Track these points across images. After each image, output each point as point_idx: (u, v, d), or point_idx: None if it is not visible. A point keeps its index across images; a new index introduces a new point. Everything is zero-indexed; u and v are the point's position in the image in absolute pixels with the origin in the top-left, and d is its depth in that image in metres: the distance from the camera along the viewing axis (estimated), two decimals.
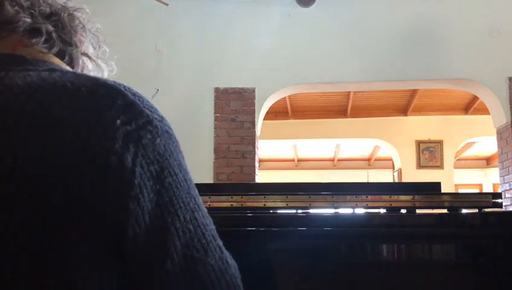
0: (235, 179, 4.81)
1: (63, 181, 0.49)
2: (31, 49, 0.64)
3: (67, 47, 0.68)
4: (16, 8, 0.64)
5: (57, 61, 0.66)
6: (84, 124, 0.51)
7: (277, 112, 7.36)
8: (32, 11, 0.65)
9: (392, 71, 5.03)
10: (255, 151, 4.97)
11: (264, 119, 5.43)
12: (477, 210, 1.37)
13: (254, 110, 5.02)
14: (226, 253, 0.58)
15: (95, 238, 0.51)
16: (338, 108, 7.71)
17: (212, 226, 0.58)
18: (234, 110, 5.03)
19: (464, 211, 1.36)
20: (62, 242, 0.49)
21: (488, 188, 11.22)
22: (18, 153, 0.50)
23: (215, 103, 5.04)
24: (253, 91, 5.04)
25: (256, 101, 5.03)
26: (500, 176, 5.02)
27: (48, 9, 0.68)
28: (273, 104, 5.48)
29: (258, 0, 5.15)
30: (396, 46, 5.01)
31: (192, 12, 5.14)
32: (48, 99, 0.53)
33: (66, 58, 0.68)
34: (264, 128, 5.54)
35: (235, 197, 1.36)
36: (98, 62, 0.74)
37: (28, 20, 0.64)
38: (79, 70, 0.71)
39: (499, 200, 1.37)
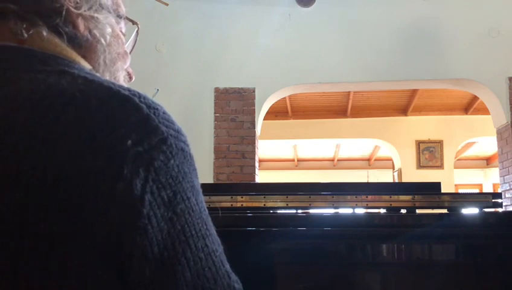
0: (235, 179, 4.81)
1: (63, 204, 0.45)
2: (41, 41, 0.57)
3: (49, 20, 0.58)
4: None
5: (68, 52, 0.59)
6: (91, 142, 0.46)
7: (277, 112, 7.36)
8: None
9: (392, 71, 5.04)
10: (255, 151, 4.97)
11: (264, 119, 5.43)
12: (477, 210, 1.37)
13: (254, 110, 5.02)
14: (233, 277, 0.56)
15: (96, 265, 0.47)
16: (338, 108, 7.71)
17: (220, 250, 0.55)
18: (234, 110, 5.03)
19: (464, 211, 1.36)
20: (60, 266, 0.46)
21: (488, 188, 11.22)
22: (19, 170, 0.45)
23: (215, 103, 5.04)
24: (253, 91, 5.04)
25: (256, 101, 5.03)
26: (500, 176, 5.02)
27: None
28: (273, 104, 5.48)
29: (258, 0, 5.15)
30: (396, 46, 5.01)
31: (192, 12, 5.14)
32: (53, 111, 0.47)
33: (64, 35, 0.59)
34: (264, 128, 5.54)
35: (235, 197, 1.36)
36: (96, 17, 0.62)
37: None
38: (84, 33, 0.61)
39: (499, 200, 1.37)
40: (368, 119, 7.87)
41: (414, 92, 7.03)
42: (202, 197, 0.55)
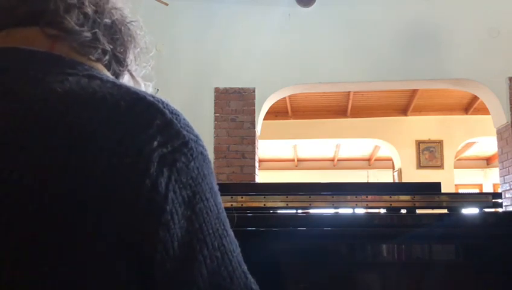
0: (235, 179, 4.81)
1: (92, 200, 0.48)
2: (72, 50, 0.60)
3: (118, 67, 0.66)
4: (81, 18, 0.61)
5: (98, 66, 0.63)
6: (120, 142, 0.49)
7: (277, 112, 7.36)
8: (97, 22, 0.62)
9: (392, 71, 5.04)
10: (255, 151, 4.97)
11: (264, 119, 5.43)
12: (477, 210, 1.37)
13: (254, 110, 5.02)
14: (250, 278, 0.57)
15: (118, 260, 0.49)
16: (338, 108, 7.71)
17: (238, 251, 0.57)
18: (234, 110, 5.03)
19: (464, 211, 1.36)
20: (82, 263, 0.48)
21: (488, 188, 11.22)
22: (52, 165, 0.48)
23: (215, 103, 5.04)
24: (253, 91, 5.04)
25: (256, 101, 5.04)
26: (500, 176, 5.02)
27: (109, 21, 0.64)
28: (273, 104, 5.48)
29: (258, 0, 5.15)
30: (396, 46, 5.01)
31: (192, 12, 5.14)
32: (85, 112, 0.51)
33: (111, 71, 0.65)
34: (264, 128, 5.54)
35: (235, 197, 1.36)
36: (139, 82, 0.71)
37: (88, 35, 0.61)
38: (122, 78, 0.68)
39: (499, 200, 1.37)
40: (368, 119, 7.87)
41: (414, 92, 7.03)
42: (220, 199, 0.57)
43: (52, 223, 0.47)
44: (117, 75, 0.67)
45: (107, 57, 0.63)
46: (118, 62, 0.66)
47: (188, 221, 0.51)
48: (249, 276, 0.57)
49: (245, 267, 0.57)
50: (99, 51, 0.62)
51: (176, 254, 0.50)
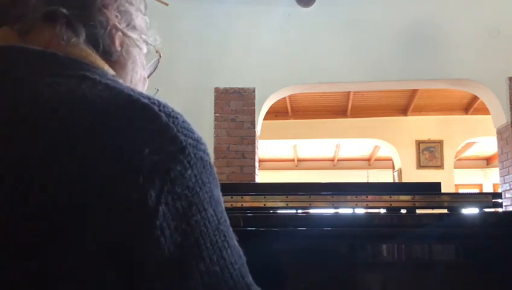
0: (235, 179, 4.81)
1: (76, 212, 0.45)
2: (67, 45, 0.57)
3: (92, 30, 0.59)
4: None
5: (92, 57, 0.59)
6: (108, 149, 0.46)
7: (277, 112, 7.36)
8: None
9: (392, 71, 5.03)
10: (255, 151, 4.97)
11: (264, 119, 5.43)
12: (477, 210, 1.37)
13: (254, 110, 5.02)
14: (254, 289, 0.54)
15: (107, 277, 0.46)
16: (338, 108, 7.70)
17: (241, 262, 0.53)
18: (234, 110, 5.03)
19: (464, 211, 1.36)
20: (70, 276, 0.46)
21: (488, 188, 11.21)
22: (36, 173, 0.45)
23: (215, 103, 5.04)
24: (253, 91, 5.04)
25: (256, 101, 5.03)
26: (500, 176, 5.02)
27: None
28: (273, 104, 5.48)
29: (258, 0, 5.15)
30: (396, 46, 5.01)
31: (192, 12, 5.14)
32: (72, 116, 0.48)
33: (101, 46, 0.60)
34: (264, 128, 5.54)
35: (235, 197, 1.36)
36: (132, 37, 0.64)
37: (40, 3, 0.56)
38: (118, 49, 0.63)
39: (499, 200, 1.37)
40: (368, 119, 7.87)
41: (414, 92, 7.03)
42: (222, 207, 0.53)
43: (37, 228, 0.45)
44: (102, 41, 0.60)
45: (77, 26, 0.58)
46: (88, 25, 0.59)
47: (182, 235, 0.47)
48: (253, 287, 0.54)
49: (249, 279, 0.53)
50: (62, 17, 0.57)
51: (168, 271, 0.47)
